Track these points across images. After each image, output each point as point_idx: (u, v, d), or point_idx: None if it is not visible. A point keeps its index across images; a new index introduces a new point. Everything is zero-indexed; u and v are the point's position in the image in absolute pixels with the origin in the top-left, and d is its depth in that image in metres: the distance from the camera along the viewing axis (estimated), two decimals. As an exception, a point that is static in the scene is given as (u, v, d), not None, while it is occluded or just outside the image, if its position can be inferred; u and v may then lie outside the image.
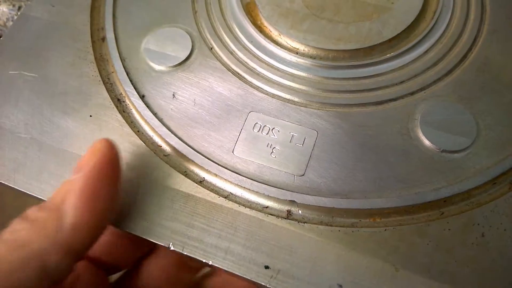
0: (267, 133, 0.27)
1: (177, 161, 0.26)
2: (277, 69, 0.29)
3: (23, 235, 0.20)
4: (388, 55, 0.29)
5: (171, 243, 0.24)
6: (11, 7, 0.39)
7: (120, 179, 0.24)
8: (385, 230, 0.23)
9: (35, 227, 0.20)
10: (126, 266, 0.30)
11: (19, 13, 0.38)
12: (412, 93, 0.28)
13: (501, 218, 0.24)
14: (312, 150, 0.26)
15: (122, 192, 0.24)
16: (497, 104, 0.27)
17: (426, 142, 0.26)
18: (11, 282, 0.19)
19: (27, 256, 0.19)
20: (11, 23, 0.39)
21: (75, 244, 0.21)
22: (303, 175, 0.25)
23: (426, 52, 0.29)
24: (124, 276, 0.30)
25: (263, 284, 0.22)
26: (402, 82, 0.28)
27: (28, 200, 0.25)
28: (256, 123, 0.27)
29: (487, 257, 0.23)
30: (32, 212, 0.21)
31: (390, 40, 0.29)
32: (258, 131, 0.27)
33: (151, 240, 0.24)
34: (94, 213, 0.21)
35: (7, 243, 0.20)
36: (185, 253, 0.23)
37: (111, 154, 0.23)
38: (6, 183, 0.26)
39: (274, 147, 0.26)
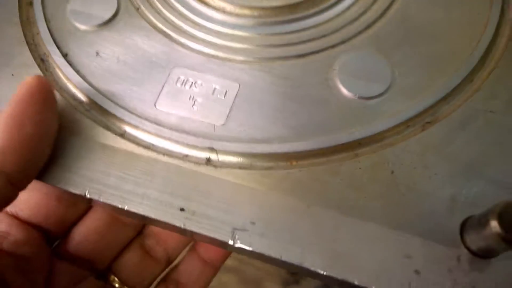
0: (190, 87, 0.27)
1: (98, 116, 0.26)
2: (204, 27, 0.30)
3: None
4: (311, 11, 0.30)
5: (87, 191, 0.24)
6: None
7: (54, 107, 0.24)
8: (299, 171, 0.24)
9: None
10: (60, 232, 0.30)
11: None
12: (333, 46, 0.28)
13: (411, 156, 0.24)
14: (234, 101, 0.26)
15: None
16: (413, 54, 0.28)
17: (344, 90, 0.26)
18: None
19: None
20: None
21: (7, 167, 0.21)
22: (223, 124, 0.26)
23: (348, 7, 0.30)
24: (58, 243, 0.30)
25: (177, 225, 0.23)
26: (324, 36, 0.29)
27: None
28: (179, 77, 0.27)
29: (395, 192, 0.23)
30: None
31: (313, -4, 0.30)
32: (181, 85, 0.27)
33: (67, 189, 0.24)
34: (22, 138, 0.22)
35: None
36: (101, 200, 0.23)
37: (39, 85, 0.23)
38: None
39: (196, 100, 0.27)
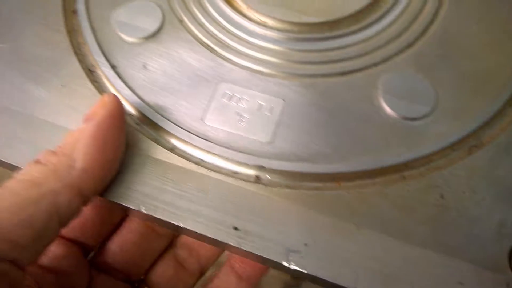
0: (236, 103, 0.28)
1: (148, 130, 0.27)
2: (246, 41, 0.30)
3: (36, 176, 0.21)
4: (352, 28, 0.30)
5: (142, 207, 0.24)
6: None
7: (125, 132, 0.25)
8: (348, 193, 0.25)
9: (48, 170, 0.22)
10: (96, 244, 0.31)
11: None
12: (375, 64, 0.29)
13: (460, 180, 0.25)
14: (279, 118, 0.27)
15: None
16: (455, 74, 0.28)
17: (388, 110, 0.27)
18: (23, 216, 0.20)
19: (40, 194, 0.21)
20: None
21: (84, 188, 0.22)
22: (270, 141, 0.26)
23: (389, 25, 0.30)
24: (94, 255, 0.31)
25: (232, 244, 0.23)
26: (365, 54, 0.29)
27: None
28: (225, 92, 0.28)
29: (446, 216, 0.24)
30: (44, 156, 0.23)
31: (354, 13, 0.30)
32: (228, 100, 0.28)
33: (123, 204, 0.24)
34: (102, 161, 0.23)
35: (22, 182, 0.21)
36: (157, 216, 0.24)
37: (119, 107, 0.24)
38: (-24, 151, 0.26)
39: (243, 115, 0.27)
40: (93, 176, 0.23)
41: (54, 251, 0.27)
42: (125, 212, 0.27)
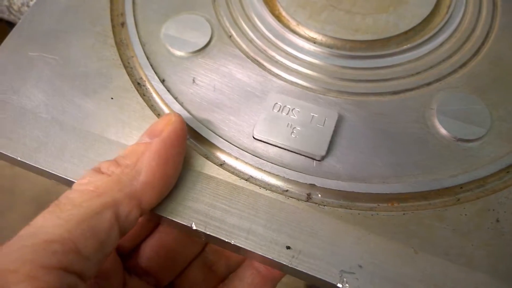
0: (287, 113, 0.27)
1: (198, 145, 0.27)
2: (296, 57, 0.30)
3: (99, 186, 0.22)
4: (404, 46, 0.30)
5: (193, 223, 0.24)
6: (25, -8, 0.39)
7: (185, 150, 0.25)
8: (404, 214, 0.24)
9: (111, 180, 0.22)
10: (132, 247, 0.30)
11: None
12: (428, 84, 0.28)
13: (515, 204, 0.24)
14: (333, 131, 0.26)
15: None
16: (509, 96, 0.28)
17: (443, 131, 0.26)
18: (86, 227, 0.20)
19: (102, 205, 0.21)
20: (25, 8, 0.39)
21: (143, 200, 0.22)
22: (323, 156, 0.26)
23: (441, 45, 0.30)
24: (128, 257, 0.31)
25: (284, 263, 0.23)
26: (418, 73, 0.29)
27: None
28: (276, 103, 0.27)
29: (502, 241, 0.23)
30: (107, 166, 0.23)
31: (406, 32, 0.30)
32: (278, 111, 0.27)
33: (175, 220, 0.24)
34: (163, 176, 0.23)
35: (84, 192, 0.21)
36: (208, 233, 0.24)
37: (183, 127, 0.25)
38: (28, 162, 0.26)
39: (295, 127, 0.26)
40: (153, 189, 0.23)
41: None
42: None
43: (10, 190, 1.29)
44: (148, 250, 0.30)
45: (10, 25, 0.47)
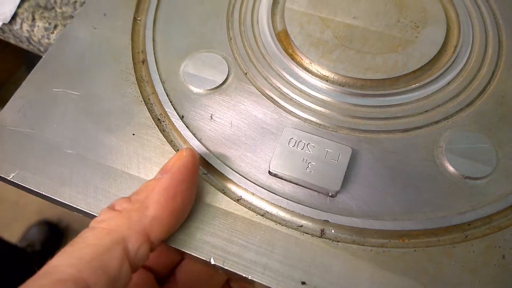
0: (302, 148, 0.28)
1: (215, 180, 0.28)
2: (309, 95, 0.31)
3: (110, 223, 0.23)
4: (413, 85, 0.31)
5: (212, 258, 0.25)
6: (47, 24, 0.41)
7: (196, 185, 0.26)
8: (414, 251, 0.25)
9: (121, 216, 0.23)
10: (167, 272, 0.31)
11: (56, 32, 0.40)
12: (436, 122, 0.30)
13: (521, 242, 0.25)
14: (347, 166, 0.27)
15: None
16: (515, 135, 0.29)
17: (451, 168, 0.28)
18: (97, 264, 0.21)
19: (112, 241, 0.22)
20: (46, 40, 0.41)
21: (152, 234, 0.23)
22: (338, 191, 0.27)
23: (448, 84, 0.31)
24: (161, 281, 0.32)
25: (300, 299, 0.24)
26: (426, 111, 0.30)
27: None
28: (291, 138, 0.28)
29: (508, 278, 0.24)
30: (119, 203, 0.24)
31: (414, 71, 0.31)
32: (294, 146, 0.28)
33: (194, 255, 0.25)
34: (172, 210, 0.24)
35: (96, 230, 0.22)
36: (226, 268, 0.25)
37: (194, 161, 0.26)
38: (52, 197, 0.27)
39: (310, 162, 0.28)
40: (162, 224, 0.24)
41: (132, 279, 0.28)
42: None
43: (14, 202, 1.30)
44: (180, 276, 0.31)
45: (28, 54, 0.48)
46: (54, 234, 1.24)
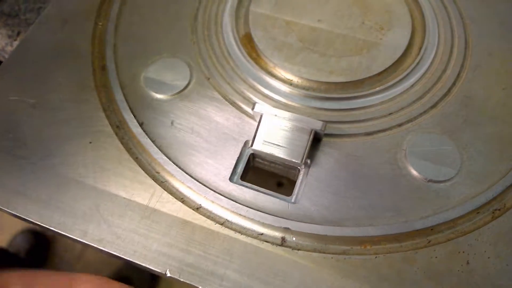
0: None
1: (174, 188, 0.27)
2: (272, 99, 0.30)
3: None
4: (377, 88, 0.30)
5: (168, 270, 0.24)
6: (10, 32, 0.40)
7: None
8: (376, 257, 0.24)
9: None
10: None
11: (19, 39, 0.39)
12: (399, 125, 0.29)
13: (484, 246, 0.25)
14: (305, 177, 0.27)
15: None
16: (479, 136, 0.28)
17: (414, 172, 0.27)
18: None
19: None
20: (9, 48, 0.40)
21: None
22: (295, 201, 0.26)
23: (412, 85, 0.31)
24: None
25: (258, 309, 0.23)
26: (390, 114, 0.30)
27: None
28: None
29: (472, 284, 0.24)
30: None
31: (379, 74, 0.31)
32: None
33: (149, 267, 0.24)
34: None
35: None
36: (182, 280, 0.24)
37: None
38: (5, 209, 0.26)
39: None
40: None
41: None
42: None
43: (-1, 212, 1.28)
44: None
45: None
46: (40, 243, 1.23)
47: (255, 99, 0.30)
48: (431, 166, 0.27)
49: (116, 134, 0.29)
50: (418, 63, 0.32)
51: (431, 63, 0.32)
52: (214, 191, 0.27)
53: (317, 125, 0.25)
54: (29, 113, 0.29)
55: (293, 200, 0.26)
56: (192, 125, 0.29)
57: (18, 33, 0.39)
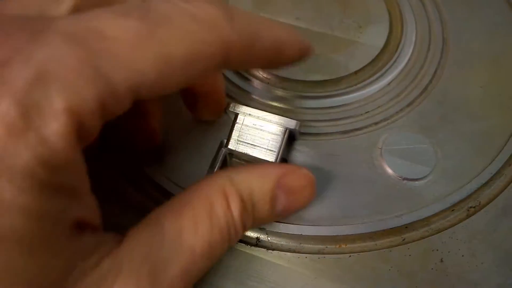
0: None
1: (148, 194, 0.27)
2: (250, 98, 0.30)
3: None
4: (354, 86, 0.30)
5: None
6: None
7: None
8: (350, 256, 0.25)
9: None
10: None
11: None
12: (376, 123, 0.29)
13: (459, 244, 0.25)
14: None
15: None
16: (456, 134, 0.29)
17: (389, 170, 0.27)
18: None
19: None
20: None
21: None
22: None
23: (389, 83, 0.31)
24: None
25: (231, 311, 0.23)
26: (367, 112, 0.30)
27: None
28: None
29: (446, 282, 0.24)
30: None
31: (356, 72, 0.31)
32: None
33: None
34: None
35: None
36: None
37: None
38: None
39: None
40: None
41: None
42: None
43: None
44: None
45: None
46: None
47: (233, 98, 0.30)
48: (406, 164, 0.27)
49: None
50: (395, 61, 0.32)
51: (408, 61, 0.32)
52: (182, 187, 0.26)
53: (291, 124, 0.25)
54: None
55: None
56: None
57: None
